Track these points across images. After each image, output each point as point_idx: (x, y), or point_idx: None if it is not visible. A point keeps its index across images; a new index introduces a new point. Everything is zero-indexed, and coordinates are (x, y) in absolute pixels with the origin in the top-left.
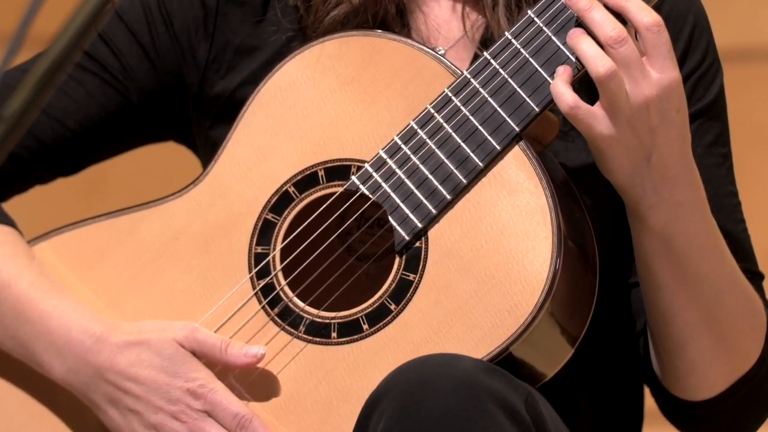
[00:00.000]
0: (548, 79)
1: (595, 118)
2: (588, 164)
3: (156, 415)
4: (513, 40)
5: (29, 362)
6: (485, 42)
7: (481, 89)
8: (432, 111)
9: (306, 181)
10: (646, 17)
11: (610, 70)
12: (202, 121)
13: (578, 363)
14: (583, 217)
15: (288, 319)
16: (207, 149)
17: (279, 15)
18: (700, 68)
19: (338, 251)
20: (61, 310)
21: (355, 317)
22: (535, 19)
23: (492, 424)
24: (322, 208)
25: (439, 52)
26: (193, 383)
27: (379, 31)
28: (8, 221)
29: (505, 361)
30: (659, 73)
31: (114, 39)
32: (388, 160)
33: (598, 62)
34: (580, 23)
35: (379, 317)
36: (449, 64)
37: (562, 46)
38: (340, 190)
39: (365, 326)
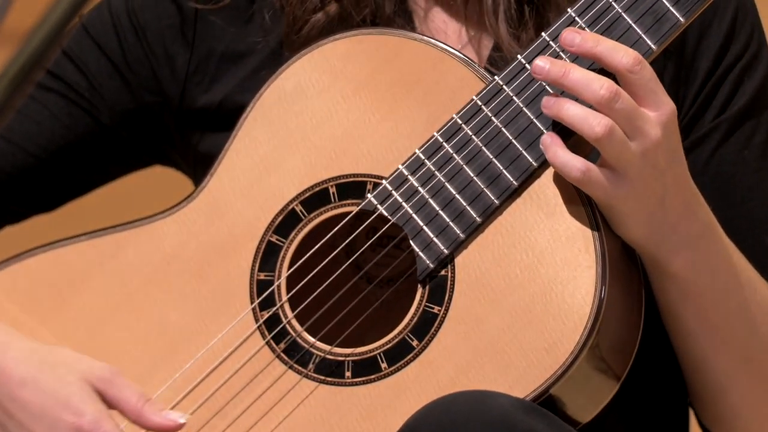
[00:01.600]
0: None
1: (607, 178)
2: None
3: None
4: (551, 42)
5: None
6: (492, 56)
7: (515, 98)
8: (459, 121)
9: (315, 198)
10: (624, 57)
11: (608, 127)
12: (188, 137)
13: (618, 399)
14: None
15: (296, 355)
16: (199, 166)
17: (267, 17)
18: (744, 56)
19: (353, 279)
20: None
21: (372, 354)
22: (576, 18)
23: None
24: (334, 231)
25: None
26: (81, 418)
27: (398, 30)
28: None
29: (542, 403)
30: (656, 111)
31: (80, 55)
32: (410, 177)
33: (592, 122)
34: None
35: (400, 355)
36: (478, 68)
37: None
38: (355, 210)
39: (383, 365)
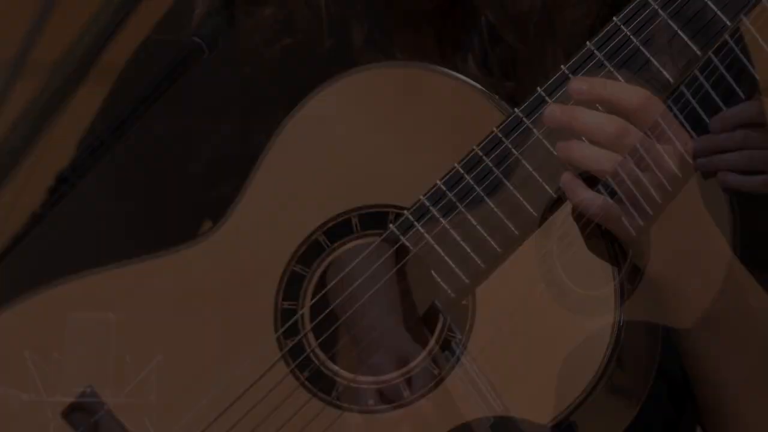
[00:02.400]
0: None
1: (626, 213)
2: None
3: None
4: (570, 75)
5: None
6: None
7: (534, 129)
8: (480, 153)
9: (338, 228)
10: (633, 96)
11: (615, 162)
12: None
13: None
14: None
15: (320, 384)
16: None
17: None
18: None
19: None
20: None
21: (394, 382)
22: (595, 51)
23: None
24: (356, 261)
25: None
26: None
27: (420, 62)
28: None
29: (563, 430)
30: (672, 145)
31: None
32: (431, 208)
33: (600, 159)
34: None
35: (422, 383)
36: (498, 100)
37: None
38: (377, 240)
39: (406, 393)
